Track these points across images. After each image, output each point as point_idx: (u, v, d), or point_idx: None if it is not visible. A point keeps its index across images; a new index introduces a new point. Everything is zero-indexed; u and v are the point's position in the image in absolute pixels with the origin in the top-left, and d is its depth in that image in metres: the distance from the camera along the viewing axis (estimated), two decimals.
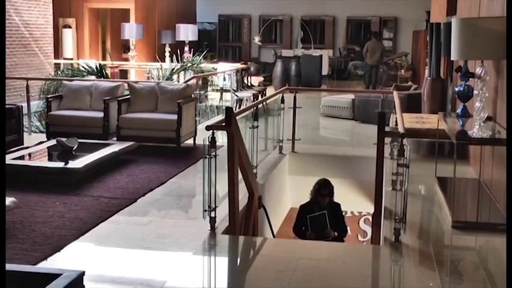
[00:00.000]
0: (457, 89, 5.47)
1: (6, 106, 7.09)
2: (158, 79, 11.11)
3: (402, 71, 16.52)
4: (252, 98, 12.04)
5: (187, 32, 14.81)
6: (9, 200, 4.33)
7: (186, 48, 14.47)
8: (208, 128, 4.40)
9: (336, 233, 5.84)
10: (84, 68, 11.21)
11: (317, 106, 11.49)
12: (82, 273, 2.20)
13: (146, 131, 7.17)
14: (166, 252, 4.10)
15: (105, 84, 8.13)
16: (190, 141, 7.50)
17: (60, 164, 5.87)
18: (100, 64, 11.54)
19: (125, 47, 15.35)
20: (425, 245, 4.33)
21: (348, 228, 6.11)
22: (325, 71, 17.88)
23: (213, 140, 4.31)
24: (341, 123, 10.71)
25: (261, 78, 15.59)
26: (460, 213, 4.64)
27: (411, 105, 8.70)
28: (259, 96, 12.24)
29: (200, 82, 10.60)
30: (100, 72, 10.89)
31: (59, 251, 4.01)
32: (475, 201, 5.31)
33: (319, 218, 5.59)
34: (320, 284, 3.59)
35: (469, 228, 4.44)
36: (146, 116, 7.32)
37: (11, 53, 11.11)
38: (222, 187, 4.52)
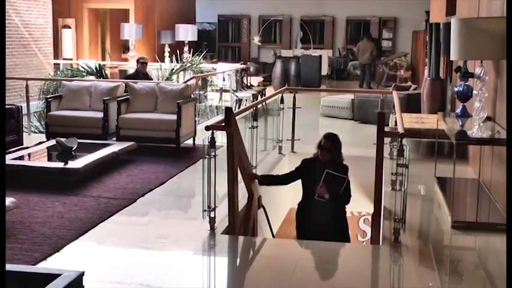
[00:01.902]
0: (456, 89, 5.47)
1: (6, 106, 7.08)
2: (158, 79, 11.10)
3: (402, 71, 16.52)
4: (251, 98, 12.04)
5: (186, 32, 14.80)
6: (8, 200, 4.33)
7: (186, 49, 14.46)
8: (207, 128, 4.40)
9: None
10: (83, 68, 11.21)
11: (317, 106, 11.48)
12: (82, 274, 2.20)
13: (145, 131, 7.16)
14: (166, 253, 4.10)
15: (104, 84, 8.13)
16: (189, 142, 7.49)
17: (60, 164, 5.87)
18: (99, 64, 11.54)
19: (124, 47, 15.34)
20: (425, 245, 4.33)
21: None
22: (324, 71, 17.87)
23: (212, 140, 4.32)
24: (341, 123, 10.69)
25: (260, 79, 15.58)
26: (460, 213, 4.64)
27: (411, 105, 8.71)
28: (259, 96, 12.22)
29: (199, 82, 10.59)
30: (99, 73, 10.89)
31: (58, 251, 4.01)
32: (474, 201, 5.32)
33: (337, 179, 5.03)
34: (320, 284, 3.59)
35: (469, 228, 4.44)
36: (145, 116, 7.31)
37: (11, 53, 11.11)
38: (222, 187, 4.52)
